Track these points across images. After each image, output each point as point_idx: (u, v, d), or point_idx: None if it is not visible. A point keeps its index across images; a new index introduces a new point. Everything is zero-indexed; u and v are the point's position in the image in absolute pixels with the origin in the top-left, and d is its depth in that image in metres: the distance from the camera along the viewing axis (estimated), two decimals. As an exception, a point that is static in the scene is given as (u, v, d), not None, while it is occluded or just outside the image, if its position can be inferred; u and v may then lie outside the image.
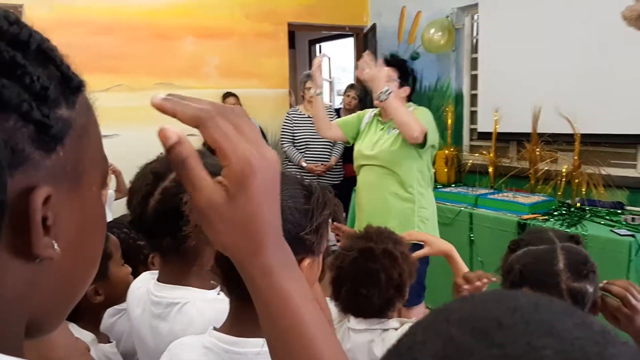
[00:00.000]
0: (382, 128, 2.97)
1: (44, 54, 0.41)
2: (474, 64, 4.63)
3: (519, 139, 4.07)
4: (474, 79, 4.62)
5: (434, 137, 2.87)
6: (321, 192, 0.93)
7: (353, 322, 1.43)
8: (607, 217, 3.29)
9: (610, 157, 3.68)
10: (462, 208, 3.74)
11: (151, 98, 0.51)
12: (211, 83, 4.91)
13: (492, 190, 3.96)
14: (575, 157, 3.58)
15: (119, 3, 4.53)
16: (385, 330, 1.39)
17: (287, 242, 0.88)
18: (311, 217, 0.89)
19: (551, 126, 3.71)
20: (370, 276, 1.35)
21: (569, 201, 3.62)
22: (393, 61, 2.97)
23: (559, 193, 3.63)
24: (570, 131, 3.58)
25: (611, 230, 3.03)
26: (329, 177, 4.83)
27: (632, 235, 2.89)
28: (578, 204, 3.53)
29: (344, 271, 1.37)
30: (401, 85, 2.88)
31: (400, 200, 2.87)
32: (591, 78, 3.62)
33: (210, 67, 4.94)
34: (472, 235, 3.66)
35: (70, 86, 0.42)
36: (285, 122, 4.86)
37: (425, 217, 2.93)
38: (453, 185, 4.34)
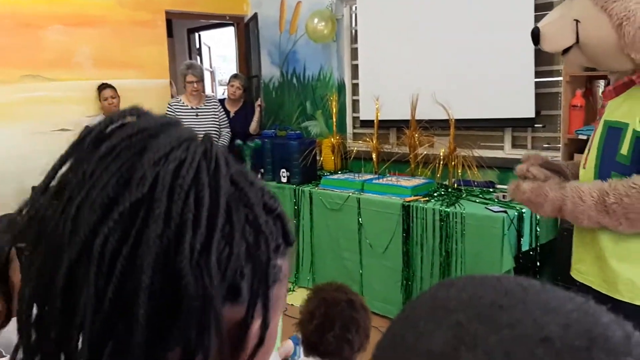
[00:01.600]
0: None
1: (278, 216, 0.54)
2: (354, 53, 4.76)
3: (399, 125, 4.27)
4: (355, 69, 4.76)
5: None
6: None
7: None
8: (481, 196, 3.55)
9: (481, 140, 3.97)
10: (350, 194, 3.85)
11: None
12: (85, 74, 4.63)
13: (376, 176, 4.11)
14: (451, 141, 3.81)
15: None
16: None
17: None
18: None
19: (428, 113, 3.92)
20: (354, 324, 1.51)
21: (446, 182, 3.85)
22: None
23: (438, 175, 3.86)
24: (445, 117, 3.81)
25: (486, 208, 3.28)
26: (216, 169, 4.75)
27: (505, 211, 3.15)
28: (455, 185, 3.77)
29: (330, 318, 1.50)
30: None
31: None
32: (463, 68, 3.88)
33: (82, 58, 4.65)
34: (360, 219, 3.79)
35: (288, 241, 0.54)
36: (167, 114, 4.70)
37: None
38: (340, 172, 4.45)
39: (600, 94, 3.10)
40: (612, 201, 1.54)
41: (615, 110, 1.65)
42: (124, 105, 4.53)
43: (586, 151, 1.83)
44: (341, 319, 1.49)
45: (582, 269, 1.89)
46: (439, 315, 0.36)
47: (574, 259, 2.00)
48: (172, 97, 5.08)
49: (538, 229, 3.29)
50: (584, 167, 1.84)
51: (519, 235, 3.19)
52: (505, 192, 3.44)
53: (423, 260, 3.48)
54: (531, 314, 0.33)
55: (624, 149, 1.56)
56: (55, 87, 4.49)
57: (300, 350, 1.69)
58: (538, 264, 3.32)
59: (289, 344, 2.04)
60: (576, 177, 2.01)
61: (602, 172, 1.70)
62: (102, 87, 4.56)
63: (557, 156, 3.49)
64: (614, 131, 1.63)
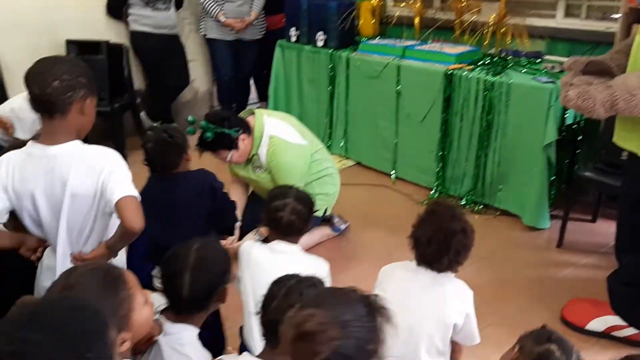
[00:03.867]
0: (246, 166, 2.90)
1: None
2: None
3: (445, -12, 4.02)
4: None
5: (300, 179, 2.80)
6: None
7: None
8: (528, 67, 3.41)
9: (531, 7, 3.73)
10: (390, 60, 3.72)
11: None
12: None
13: (418, 42, 3.94)
14: (501, 7, 3.59)
15: None
16: None
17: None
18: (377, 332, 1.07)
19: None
20: (465, 249, 1.69)
21: (492, 51, 3.69)
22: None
23: (485, 43, 3.68)
24: (497, -20, 3.56)
25: (533, 78, 3.16)
26: (251, 33, 4.60)
27: (553, 82, 3.04)
28: (502, 54, 3.62)
29: (446, 246, 1.67)
30: (230, 143, 2.68)
31: None
32: None
33: None
34: (399, 87, 3.70)
35: None
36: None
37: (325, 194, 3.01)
38: (379, 37, 4.27)
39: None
40: None
41: None
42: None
43: None
44: (456, 247, 1.67)
45: (623, 134, 1.92)
46: None
47: (617, 126, 2.07)
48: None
49: (585, 103, 3.18)
50: None
51: (565, 107, 3.09)
52: (554, 63, 3.31)
53: (462, 131, 3.43)
54: None
55: None
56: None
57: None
58: (580, 138, 3.26)
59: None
60: (622, 67, 2.01)
61: None
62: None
63: (612, 27, 3.29)
64: None
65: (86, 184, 1.64)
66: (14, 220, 1.83)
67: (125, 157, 3.90)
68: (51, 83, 1.59)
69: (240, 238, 2.95)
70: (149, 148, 2.16)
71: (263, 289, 1.45)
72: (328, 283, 1.69)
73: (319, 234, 3.07)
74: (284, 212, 1.94)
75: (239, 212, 2.99)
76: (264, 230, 2.86)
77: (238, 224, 2.84)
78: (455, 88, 3.40)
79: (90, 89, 1.70)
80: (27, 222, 1.73)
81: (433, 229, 1.70)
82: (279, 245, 1.95)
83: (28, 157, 1.67)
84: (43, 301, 0.85)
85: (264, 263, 1.90)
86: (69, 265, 1.69)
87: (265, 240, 2.02)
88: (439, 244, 1.67)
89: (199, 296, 1.52)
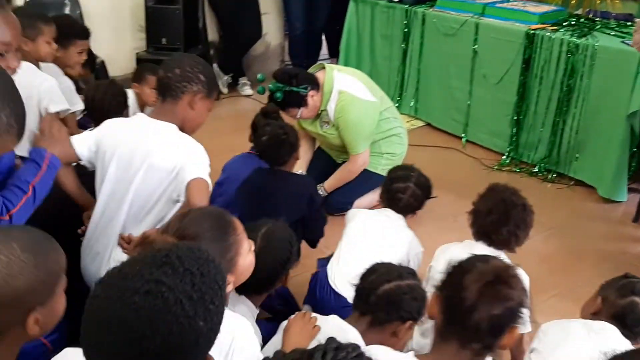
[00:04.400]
0: (314, 121, 2.87)
1: None
2: None
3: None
4: None
5: (368, 137, 2.85)
6: None
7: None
8: (617, 29, 3.20)
9: (627, -36, 3.47)
10: (469, 17, 3.58)
11: None
12: None
13: (500, -1, 3.76)
14: (593, -36, 3.37)
15: None
16: None
17: None
18: None
19: None
20: (524, 224, 1.77)
21: (579, 12, 3.48)
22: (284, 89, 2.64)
23: (572, 2, 3.47)
24: None
25: (622, 42, 2.97)
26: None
27: (644, 47, 2.83)
28: (590, 15, 3.41)
29: (506, 216, 1.74)
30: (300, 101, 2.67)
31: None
32: None
33: None
34: (475, 46, 3.56)
35: None
36: None
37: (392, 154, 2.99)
38: (458, -7, 4.10)
39: None
40: None
41: None
42: None
43: None
44: (515, 219, 1.74)
45: None
46: None
47: None
48: None
49: (679, 70, 2.96)
50: None
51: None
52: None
53: (540, 94, 3.28)
54: None
55: None
56: None
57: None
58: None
59: None
60: None
61: None
62: None
63: None
64: None
65: (166, 159, 1.74)
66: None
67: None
68: (173, 69, 1.79)
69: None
70: (263, 141, 2.22)
71: (356, 255, 1.72)
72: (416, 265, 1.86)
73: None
74: (404, 195, 2.12)
75: (304, 167, 3.02)
76: (327, 187, 2.89)
77: None
78: (536, 49, 3.24)
79: (207, 89, 1.83)
80: (97, 180, 1.84)
81: (493, 200, 1.77)
82: (387, 211, 2.12)
83: (129, 121, 1.85)
84: (175, 246, 0.87)
85: (363, 229, 2.04)
86: (115, 239, 1.77)
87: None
88: (499, 214, 1.73)
89: (257, 283, 1.56)
